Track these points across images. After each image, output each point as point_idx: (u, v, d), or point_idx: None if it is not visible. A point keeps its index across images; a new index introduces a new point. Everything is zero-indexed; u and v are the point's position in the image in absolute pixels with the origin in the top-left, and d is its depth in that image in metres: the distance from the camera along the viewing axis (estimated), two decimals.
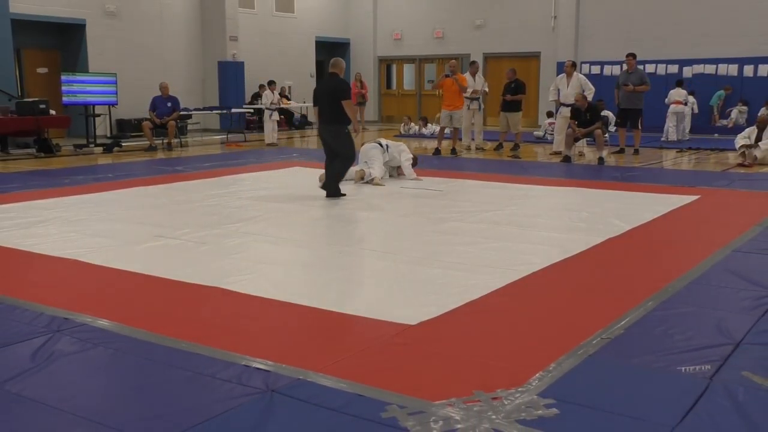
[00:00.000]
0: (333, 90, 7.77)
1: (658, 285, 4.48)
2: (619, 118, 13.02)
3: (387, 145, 9.43)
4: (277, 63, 20.22)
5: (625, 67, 12.94)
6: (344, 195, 7.88)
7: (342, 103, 7.68)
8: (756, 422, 2.69)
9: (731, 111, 16.55)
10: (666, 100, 14.98)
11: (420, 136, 17.12)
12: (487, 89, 14.15)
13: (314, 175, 9.42)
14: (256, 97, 18.85)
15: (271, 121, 15.28)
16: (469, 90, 13.13)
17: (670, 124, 14.98)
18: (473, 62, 14.40)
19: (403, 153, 9.50)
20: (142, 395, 2.99)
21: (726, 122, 16.39)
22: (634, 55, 12.86)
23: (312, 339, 3.63)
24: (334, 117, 7.73)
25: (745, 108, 16.39)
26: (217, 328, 3.79)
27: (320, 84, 8.02)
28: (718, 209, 7.45)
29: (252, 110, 18.47)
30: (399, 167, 9.50)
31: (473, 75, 13.59)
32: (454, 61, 13.14)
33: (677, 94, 14.92)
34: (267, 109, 15.40)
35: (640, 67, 13.61)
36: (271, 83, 15.98)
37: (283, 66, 20.37)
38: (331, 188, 7.89)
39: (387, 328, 3.72)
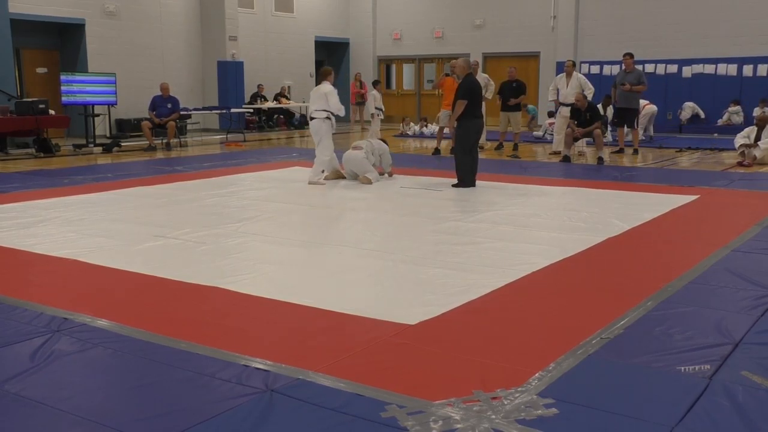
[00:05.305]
0: (481, 88, 9.14)
1: (657, 285, 4.49)
2: (616, 117, 13.02)
3: (369, 151, 9.31)
4: (277, 63, 20.24)
5: (623, 66, 12.95)
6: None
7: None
8: (755, 422, 2.70)
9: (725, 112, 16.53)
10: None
11: (420, 136, 17.12)
12: (489, 96, 12.88)
13: None
14: (256, 97, 18.85)
15: (377, 120, 15.43)
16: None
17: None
18: (474, 62, 14.19)
19: (384, 156, 9.46)
20: (141, 395, 2.99)
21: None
22: (631, 55, 12.84)
23: (311, 339, 3.63)
24: (481, 110, 8.98)
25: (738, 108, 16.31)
26: (217, 328, 3.79)
27: (474, 82, 8.88)
28: (717, 209, 7.45)
29: (251, 110, 18.47)
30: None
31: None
32: (461, 60, 12.93)
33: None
34: (376, 108, 15.53)
35: (639, 67, 13.59)
36: (377, 83, 16.25)
37: (283, 66, 20.39)
38: (473, 180, 8.74)
39: (386, 328, 3.72)
